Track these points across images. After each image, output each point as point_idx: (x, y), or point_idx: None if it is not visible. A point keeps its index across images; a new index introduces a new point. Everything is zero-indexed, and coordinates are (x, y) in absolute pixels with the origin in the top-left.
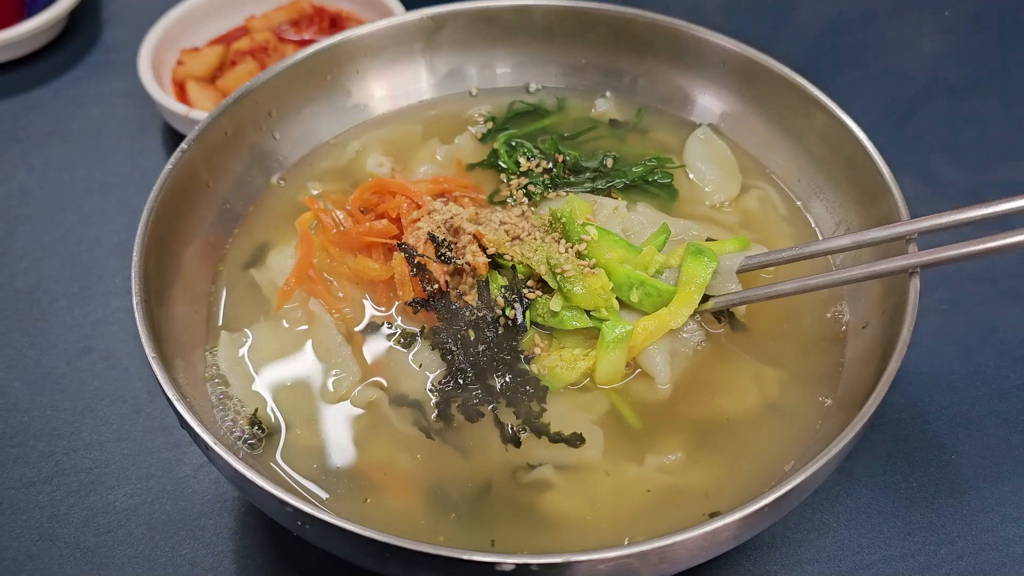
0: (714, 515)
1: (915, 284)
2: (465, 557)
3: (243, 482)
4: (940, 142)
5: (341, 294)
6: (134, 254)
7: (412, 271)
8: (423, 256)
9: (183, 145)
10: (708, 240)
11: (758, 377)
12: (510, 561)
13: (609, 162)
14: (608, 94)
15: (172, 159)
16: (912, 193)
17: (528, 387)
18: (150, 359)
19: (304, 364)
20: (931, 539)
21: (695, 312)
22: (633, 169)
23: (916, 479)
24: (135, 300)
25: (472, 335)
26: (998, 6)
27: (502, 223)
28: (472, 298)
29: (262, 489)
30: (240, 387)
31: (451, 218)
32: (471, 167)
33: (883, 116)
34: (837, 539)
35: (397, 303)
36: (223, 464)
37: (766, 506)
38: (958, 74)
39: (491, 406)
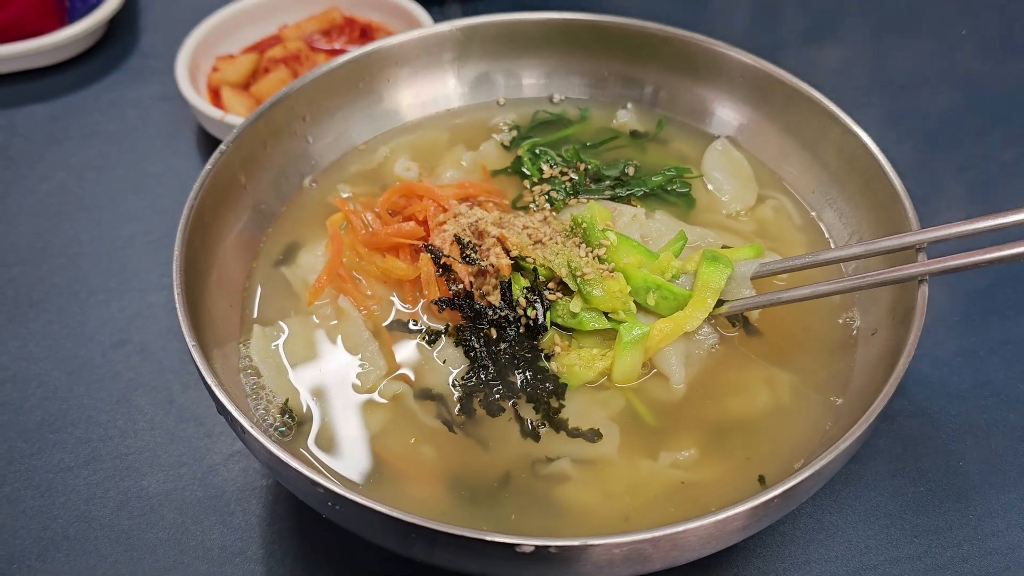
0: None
1: (924, 292)
2: (487, 538)
3: (277, 464)
4: (951, 155)
5: (369, 292)
6: (175, 248)
7: (438, 271)
8: (449, 257)
9: (222, 146)
10: (723, 247)
11: (770, 380)
12: (529, 543)
13: (630, 171)
14: (629, 106)
15: (211, 159)
16: (923, 204)
17: (548, 384)
18: (190, 347)
19: (333, 358)
20: (937, 542)
21: (710, 316)
22: (652, 178)
23: (924, 484)
24: (176, 291)
25: (495, 334)
26: (1014, 24)
27: (525, 227)
28: (495, 298)
29: (295, 471)
30: (272, 378)
31: (476, 221)
32: (495, 173)
33: (896, 129)
34: (845, 540)
35: (423, 301)
36: (258, 447)
37: (775, 498)
38: (970, 89)
39: (512, 401)
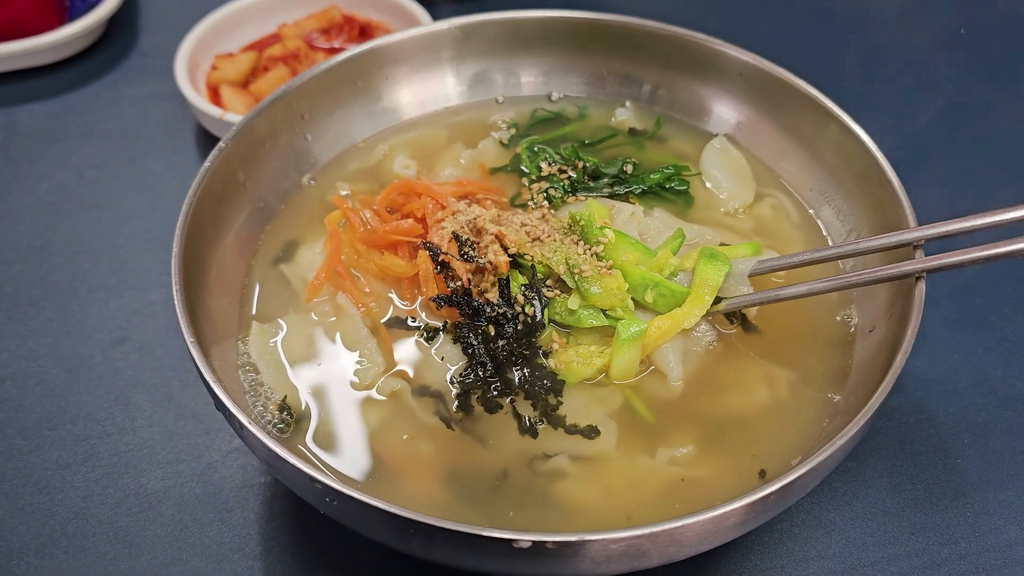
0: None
1: (921, 288)
2: (485, 534)
3: (275, 460)
4: (949, 152)
5: (367, 289)
6: (174, 245)
7: (436, 269)
8: (447, 254)
9: (221, 144)
10: (721, 245)
11: (768, 377)
12: (527, 538)
13: (628, 168)
14: (628, 104)
15: (210, 157)
16: (920, 202)
17: (545, 381)
18: (188, 343)
19: (331, 355)
20: (934, 539)
21: (708, 313)
22: (651, 176)
23: (921, 481)
24: (174, 288)
25: (492, 331)
26: (1011, 24)
27: (523, 225)
28: (493, 295)
29: (293, 467)
30: (270, 375)
31: (474, 219)
32: (494, 171)
33: (894, 127)
34: (842, 537)
35: (421, 299)
36: (256, 443)
37: (772, 494)
38: (968, 88)
39: (509, 398)
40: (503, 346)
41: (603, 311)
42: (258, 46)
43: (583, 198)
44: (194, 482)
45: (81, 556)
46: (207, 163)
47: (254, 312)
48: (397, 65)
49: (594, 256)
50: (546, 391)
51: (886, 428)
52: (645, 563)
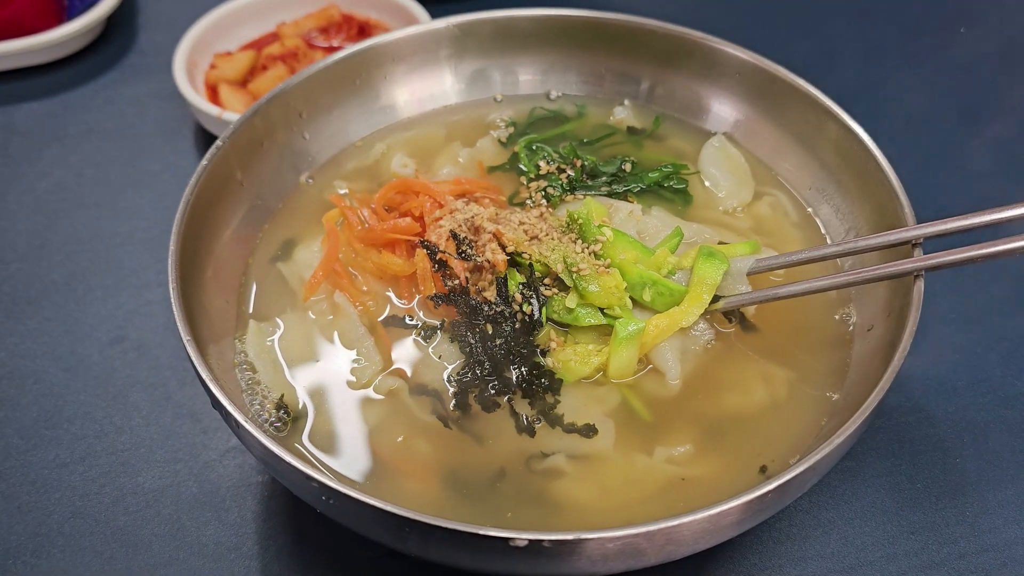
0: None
1: (919, 287)
2: (481, 532)
3: (271, 458)
4: (948, 151)
5: (365, 288)
6: (171, 243)
7: (434, 267)
8: (445, 253)
9: (218, 142)
10: (720, 243)
11: (766, 375)
12: (523, 537)
13: (627, 167)
14: (626, 102)
15: (207, 155)
16: (919, 200)
17: (543, 380)
18: (185, 342)
19: (329, 353)
20: (933, 539)
21: (706, 312)
22: (649, 174)
23: (920, 481)
24: (171, 286)
25: (490, 329)
26: (1011, 23)
27: (521, 223)
28: (491, 294)
29: (289, 465)
30: (267, 374)
31: (472, 217)
32: (492, 170)
33: (892, 125)
34: (841, 536)
35: (419, 297)
36: (253, 442)
37: (770, 492)
38: (967, 86)
39: (507, 397)
40: (501, 345)
41: (601, 310)
42: (257, 45)
43: (581, 196)
44: (191, 481)
45: (78, 555)
46: (204, 161)
47: (251, 311)
48: (395, 63)
49: (592, 254)
50: (544, 390)
51: (885, 427)
52: (642, 562)
